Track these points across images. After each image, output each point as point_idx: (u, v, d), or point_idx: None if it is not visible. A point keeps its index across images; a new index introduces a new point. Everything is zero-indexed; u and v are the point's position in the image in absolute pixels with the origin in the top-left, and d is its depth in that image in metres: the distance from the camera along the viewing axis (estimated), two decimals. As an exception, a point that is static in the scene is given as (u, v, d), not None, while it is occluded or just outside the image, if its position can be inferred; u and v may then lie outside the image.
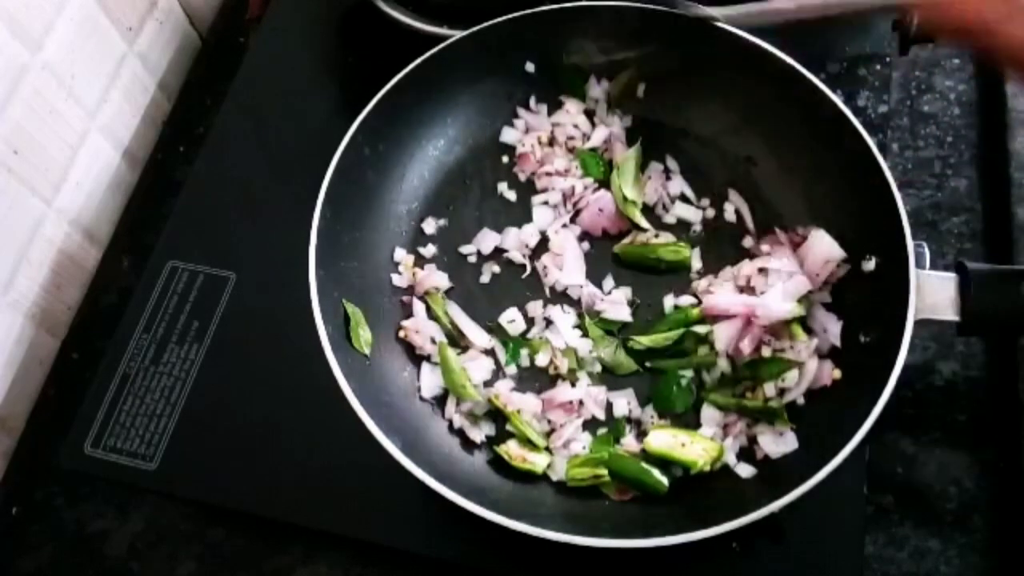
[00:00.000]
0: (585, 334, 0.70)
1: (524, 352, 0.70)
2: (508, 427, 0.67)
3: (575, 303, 0.72)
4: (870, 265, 0.66)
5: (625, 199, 0.74)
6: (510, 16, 0.75)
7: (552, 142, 0.78)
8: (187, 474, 0.67)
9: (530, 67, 0.78)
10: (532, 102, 0.79)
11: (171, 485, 0.67)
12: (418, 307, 0.72)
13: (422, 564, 0.66)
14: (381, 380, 0.67)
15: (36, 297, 0.78)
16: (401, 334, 0.70)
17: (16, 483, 0.76)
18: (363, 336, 0.66)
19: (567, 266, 0.73)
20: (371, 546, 0.66)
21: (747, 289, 0.70)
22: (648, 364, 0.69)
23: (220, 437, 0.68)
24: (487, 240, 0.75)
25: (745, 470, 0.63)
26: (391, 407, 0.65)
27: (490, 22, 0.74)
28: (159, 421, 0.68)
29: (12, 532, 0.73)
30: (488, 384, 0.69)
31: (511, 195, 0.77)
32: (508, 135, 0.79)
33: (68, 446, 0.68)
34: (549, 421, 0.67)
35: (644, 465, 0.63)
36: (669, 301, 0.71)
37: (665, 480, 0.62)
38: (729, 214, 0.75)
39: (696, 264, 0.73)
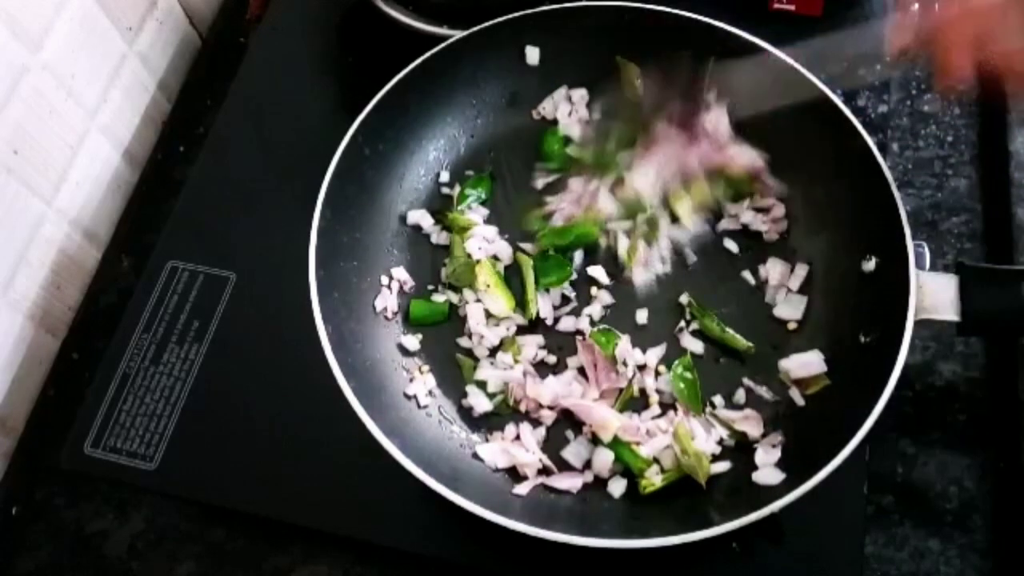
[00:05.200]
0: None
1: None
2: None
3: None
4: (870, 265, 0.66)
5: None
6: (510, 16, 0.75)
7: None
8: (187, 474, 0.67)
9: (530, 67, 0.78)
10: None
11: (171, 485, 0.67)
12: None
13: (422, 564, 0.66)
14: (381, 380, 0.67)
15: (36, 297, 0.78)
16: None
17: (16, 483, 0.76)
18: None
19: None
20: (371, 546, 0.66)
21: None
22: None
23: (220, 437, 0.68)
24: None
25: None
26: (391, 407, 0.65)
27: (490, 22, 0.74)
28: (159, 421, 0.68)
29: (12, 532, 0.73)
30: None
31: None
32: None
33: (68, 446, 0.68)
34: None
35: None
36: None
37: None
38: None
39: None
